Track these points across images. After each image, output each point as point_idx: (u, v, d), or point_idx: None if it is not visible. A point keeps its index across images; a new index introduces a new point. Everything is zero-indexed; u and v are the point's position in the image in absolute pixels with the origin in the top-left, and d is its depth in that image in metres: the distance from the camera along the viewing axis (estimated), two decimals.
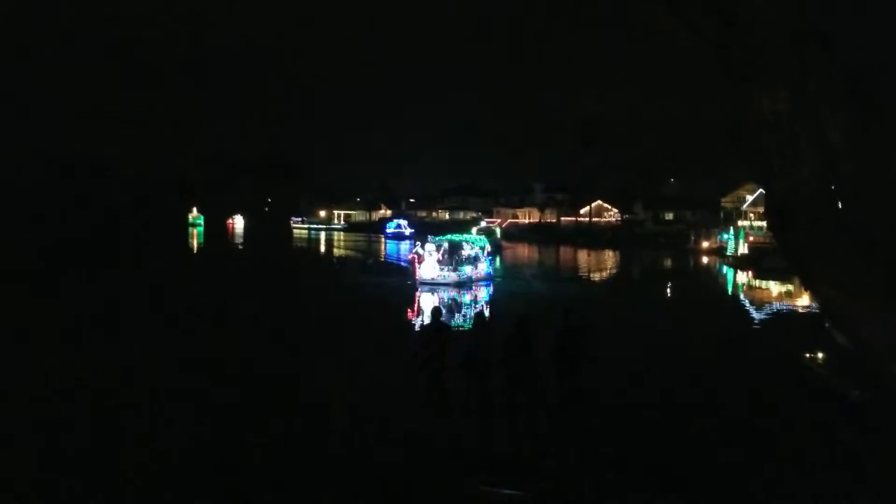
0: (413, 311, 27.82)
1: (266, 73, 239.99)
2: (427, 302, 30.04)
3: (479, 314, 13.90)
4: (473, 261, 38.20)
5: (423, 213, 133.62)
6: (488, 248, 40.76)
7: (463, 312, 27.27)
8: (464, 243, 39.49)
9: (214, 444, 11.46)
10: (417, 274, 36.29)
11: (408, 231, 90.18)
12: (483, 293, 34.33)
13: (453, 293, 33.22)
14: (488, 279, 38.80)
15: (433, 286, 34.86)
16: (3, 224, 78.54)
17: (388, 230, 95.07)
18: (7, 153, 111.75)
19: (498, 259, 57.87)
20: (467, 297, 32.29)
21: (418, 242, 39.42)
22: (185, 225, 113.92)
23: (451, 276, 35.84)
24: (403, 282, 37.41)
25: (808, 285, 5.20)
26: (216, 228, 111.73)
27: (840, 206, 4.53)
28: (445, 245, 38.36)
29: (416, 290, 34.19)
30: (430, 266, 36.05)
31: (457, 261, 37.46)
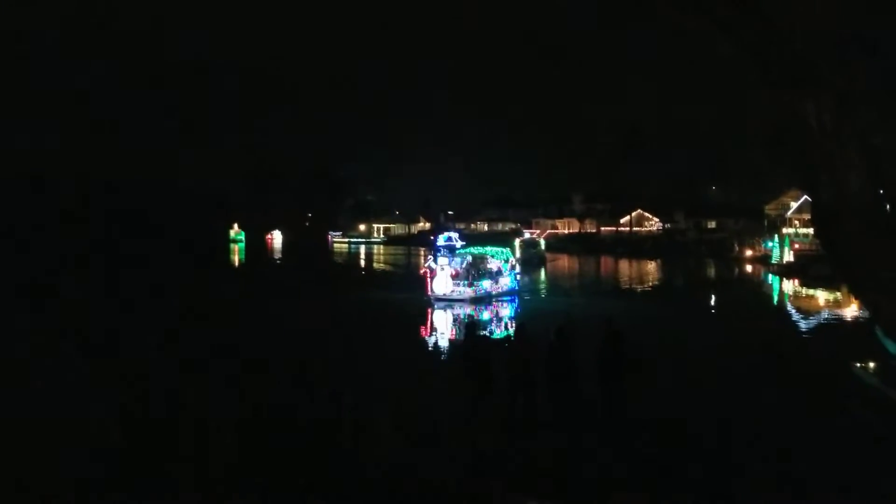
0: (426, 329, 27.32)
1: (302, 87, 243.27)
2: (440, 318, 29.47)
3: (522, 327, 13.88)
4: (495, 275, 36.22)
5: (462, 226, 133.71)
6: (513, 260, 38.74)
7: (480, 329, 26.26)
8: (486, 256, 37.47)
9: (260, 445, 11.65)
10: (430, 289, 34.11)
11: (459, 244, 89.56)
12: (506, 310, 32.92)
13: (469, 309, 31.57)
14: (512, 294, 36.71)
15: (448, 302, 33.08)
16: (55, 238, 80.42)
17: (440, 243, 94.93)
18: (51, 171, 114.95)
19: (542, 271, 57.47)
20: (486, 314, 30.64)
21: (430, 256, 36.80)
22: (228, 241, 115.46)
23: (467, 292, 33.72)
24: (418, 297, 34.83)
25: (856, 292, 5.13)
26: (257, 244, 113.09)
27: (888, 211, 4.47)
28: (466, 258, 36.65)
29: (430, 306, 32.65)
30: (443, 280, 33.75)
31: (474, 275, 35.36)
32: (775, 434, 12.97)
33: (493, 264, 36.95)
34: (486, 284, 35.01)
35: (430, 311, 31.59)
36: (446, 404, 13.92)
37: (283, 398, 14.85)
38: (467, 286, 33.98)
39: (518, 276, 38.61)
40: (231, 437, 12.19)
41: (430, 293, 33.90)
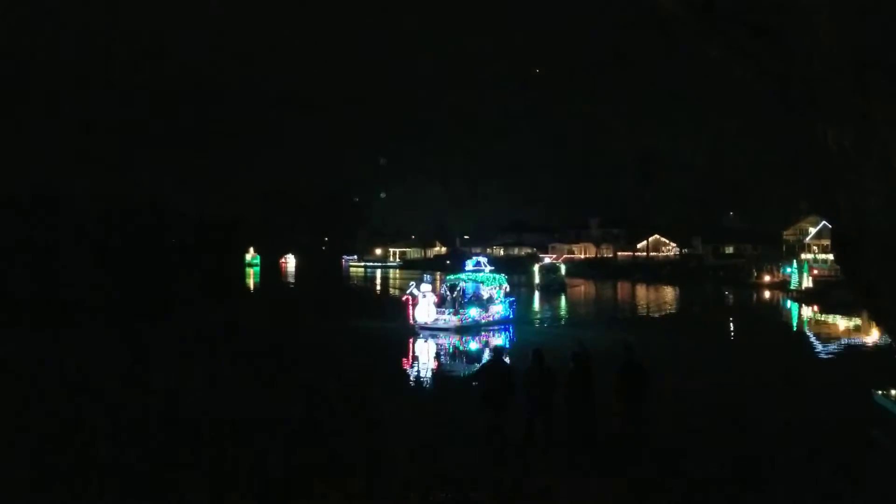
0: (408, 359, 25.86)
1: (320, 112, 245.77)
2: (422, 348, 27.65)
3: (537, 351, 13.83)
4: (485, 302, 33.67)
5: (478, 250, 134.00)
6: (506, 287, 35.95)
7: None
8: (477, 283, 34.55)
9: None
10: (411, 317, 31.87)
11: (487, 268, 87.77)
12: (496, 339, 29.98)
13: (454, 339, 29.67)
14: (506, 323, 34.25)
15: (432, 331, 30.80)
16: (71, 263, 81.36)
17: (468, 267, 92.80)
18: (67, 195, 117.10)
19: (563, 298, 56.87)
20: (472, 345, 28.54)
21: (412, 283, 34.35)
22: (244, 265, 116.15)
23: (452, 320, 31.22)
24: (400, 326, 32.31)
25: (878, 318, 5.06)
26: (272, 268, 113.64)
27: None
28: (455, 285, 33.88)
29: (412, 335, 30.36)
30: (425, 308, 31.45)
31: (461, 302, 32.71)
32: (795, 462, 12.80)
33: (484, 291, 34.20)
34: (474, 312, 32.43)
35: (410, 341, 29.20)
36: (460, 433, 13.92)
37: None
38: (452, 314, 31.57)
39: (512, 304, 36.06)
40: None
41: (412, 321, 31.74)
